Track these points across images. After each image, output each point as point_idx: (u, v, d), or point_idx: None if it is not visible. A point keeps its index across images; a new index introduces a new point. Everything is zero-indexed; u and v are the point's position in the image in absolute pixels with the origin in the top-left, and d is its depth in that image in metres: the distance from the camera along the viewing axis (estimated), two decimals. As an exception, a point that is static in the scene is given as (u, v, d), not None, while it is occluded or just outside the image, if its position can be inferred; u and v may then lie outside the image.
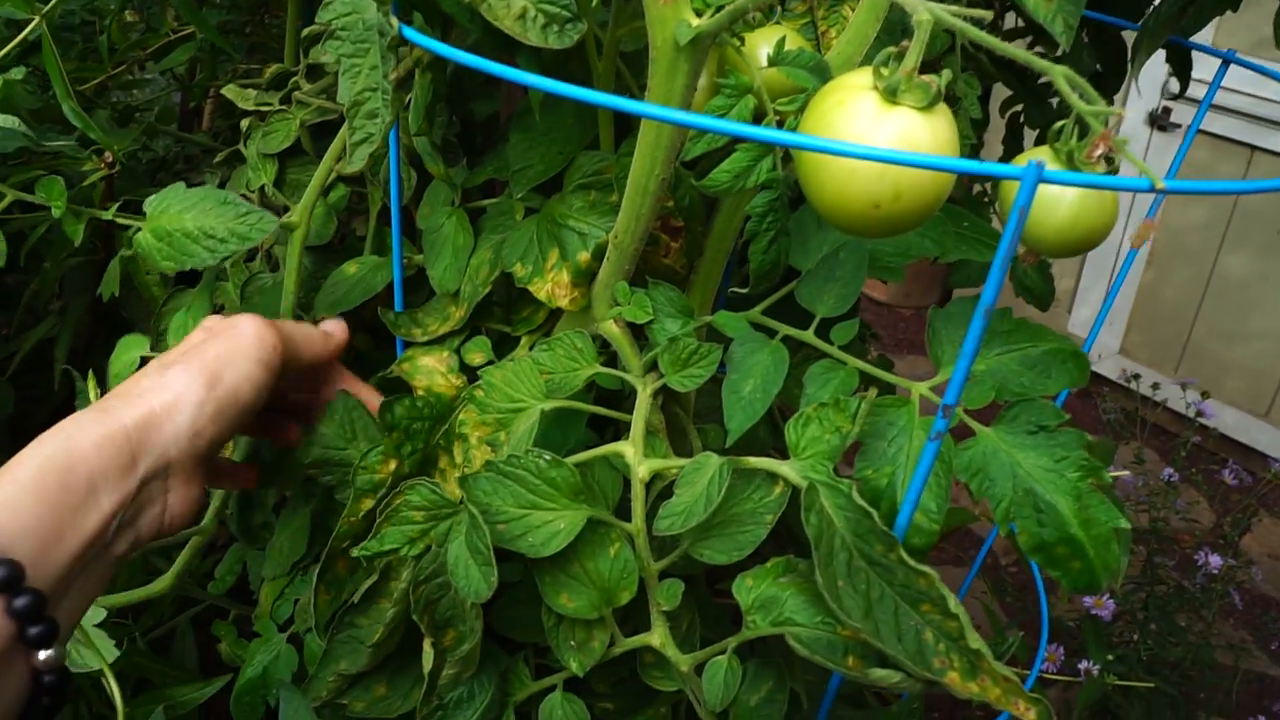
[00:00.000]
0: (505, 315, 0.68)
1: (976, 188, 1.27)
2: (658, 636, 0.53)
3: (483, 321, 0.66)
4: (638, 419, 0.54)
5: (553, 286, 0.59)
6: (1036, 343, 0.53)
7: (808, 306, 0.56)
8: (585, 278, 0.59)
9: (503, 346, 0.65)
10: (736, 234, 0.62)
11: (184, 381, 0.52)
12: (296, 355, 0.58)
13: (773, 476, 0.50)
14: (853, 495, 0.47)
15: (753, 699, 0.53)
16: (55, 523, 0.45)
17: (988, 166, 0.39)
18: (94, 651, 0.75)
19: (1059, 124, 0.46)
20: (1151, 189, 0.39)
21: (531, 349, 0.60)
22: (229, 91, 0.97)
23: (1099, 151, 0.43)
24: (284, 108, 0.91)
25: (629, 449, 0.53)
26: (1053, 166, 0.46)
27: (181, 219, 0.67)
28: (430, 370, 0.62)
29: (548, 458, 0.51)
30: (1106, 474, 0.50)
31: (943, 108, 0.43)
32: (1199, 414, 1.73)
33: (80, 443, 0.47)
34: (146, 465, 0.49)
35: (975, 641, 0.46)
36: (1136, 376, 1.94)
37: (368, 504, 0.58)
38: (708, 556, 0.50)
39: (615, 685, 0.58)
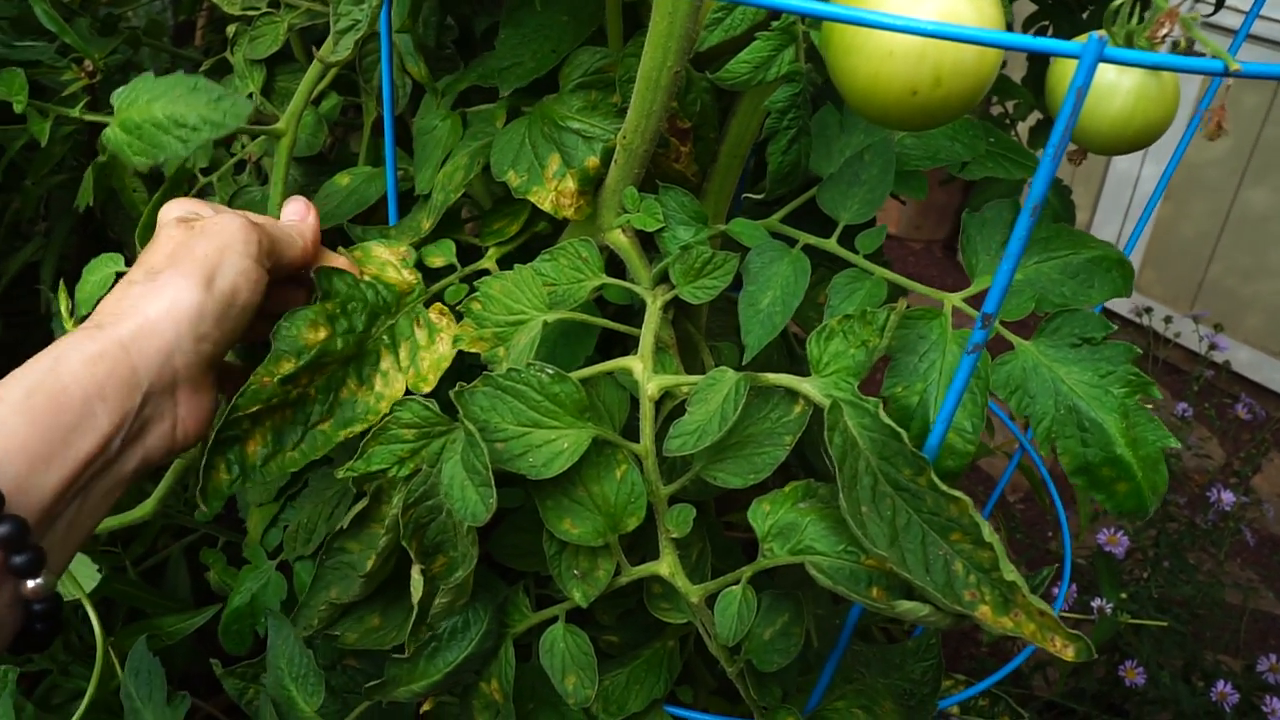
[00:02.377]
0: (477, 228, 0.63)
1: (997, 108, 1.22)
2: (666, 565, 0.49)
3: (450, 234, 0.61)
4: (646, 333, 0.50)
5: (557, 195, 0.55)
6: (1078, 249, 0.49)
7: (830, 212, 0.52)
8: (592, 184, 0.55)
9: (467, 260, 0.61)
10: (753, 138, 0.58)
11: (179, 285, 0.48)
12: (280, 254, 0.54)
13: (792, 394, 0.47)
14: (879, 414, 0.43)
15: (766, 632, 0.50)
16: (45, 445, 0.42)
17: (1042, 42, 0.35)
18: (73, 580, 0.72)
19: (1116, 3, 0.41)
20: (1225, 71, 0.35)
21: (499, 263, 0.56)
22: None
23: (1163, 31, 0.39)
24: (272, 10, 0.86)
25: (637, 364, 0.49)
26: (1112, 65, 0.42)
27: (151, 109, 0.62)
28: (383, 261, 0.56)
29: (550, 372, 0.47)
30: (1155, 389, 0.46)
31: None
32: (1212, 347, 1.69)
33: (72, 360, 0.44)
34: (149, 378, 0.46)
35: (1010, 573, 0.42)
36: (1149, 310, 1.89)
37: (287, 367, 0.51)
38: (721, 479, 0.46)
39: (620, 618, 0.55)
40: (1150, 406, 0.48)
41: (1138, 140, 0.43)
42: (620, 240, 0.54)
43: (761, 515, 0.46)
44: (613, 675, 0.55)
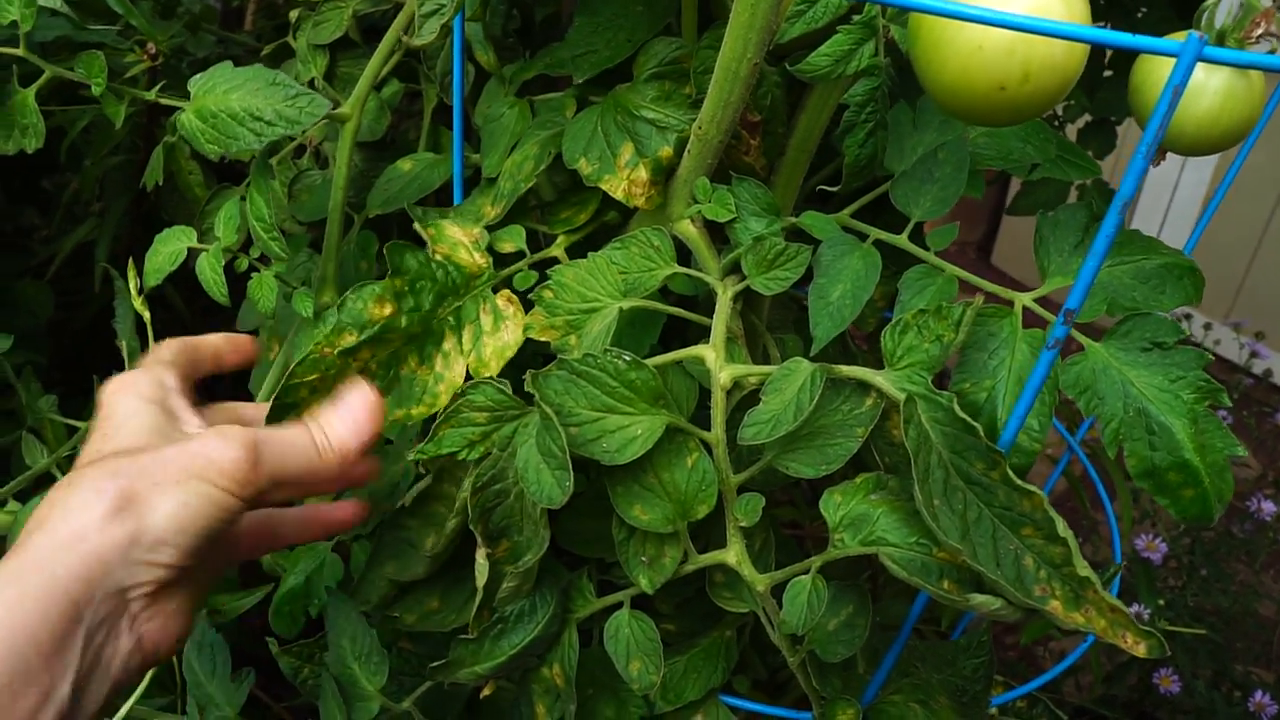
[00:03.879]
0: (542, 217, 0.64)
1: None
2: (734, 554, 0.50)
3: (520, 222, 0.62)
4: (718, 322, 0.50)
5: (629, 184, 0.55)
6: (1150, 255, 0.49)
7: (903, 209, 0.52)
8: (664, 174, 0.55)
9: (534, 249, 0.61)
10: (821, 132, 0.58)
11: (87, 515, 0.41)
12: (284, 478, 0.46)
13: (864, 387, 0.47)
14: (953, 409, 0.44)
15: (831, 623, 0.50)
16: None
17: (1140, 39, 0.35)
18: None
19: (1207, 3, 0.41)
20: (1326, 71, 0.35)
21: (567, 252, 0.56)
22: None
23: (1259, 31, 0.39)
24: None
25: (710, 353, 0.49)
26: (1201, 64, 0.42)
27: (228, 99, 0.63)
28: (455, 241, 0.56)
29: (628, 358, 0.47)
30: (1225, 396, 0.46)
31: None
32: (1253, 355, 1.68)
33: (25, 610, 0.38)
34: (88, 612, 0.40)
35: (1083, 569, 0.42)
36: (1188, 317, 1.88)
37: (348, 339, 0.51)
38: (794, 469, 0.47)
39: (678, 606, 0.55)
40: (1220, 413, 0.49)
41: (1223, 140, 0.43)
42: (689, 230, 0.54)
43: (833, 506, 0.47)
44: (671, 663, 0.55)
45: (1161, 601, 1.50)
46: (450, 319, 0.55)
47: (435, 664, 0.54)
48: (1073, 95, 1.17)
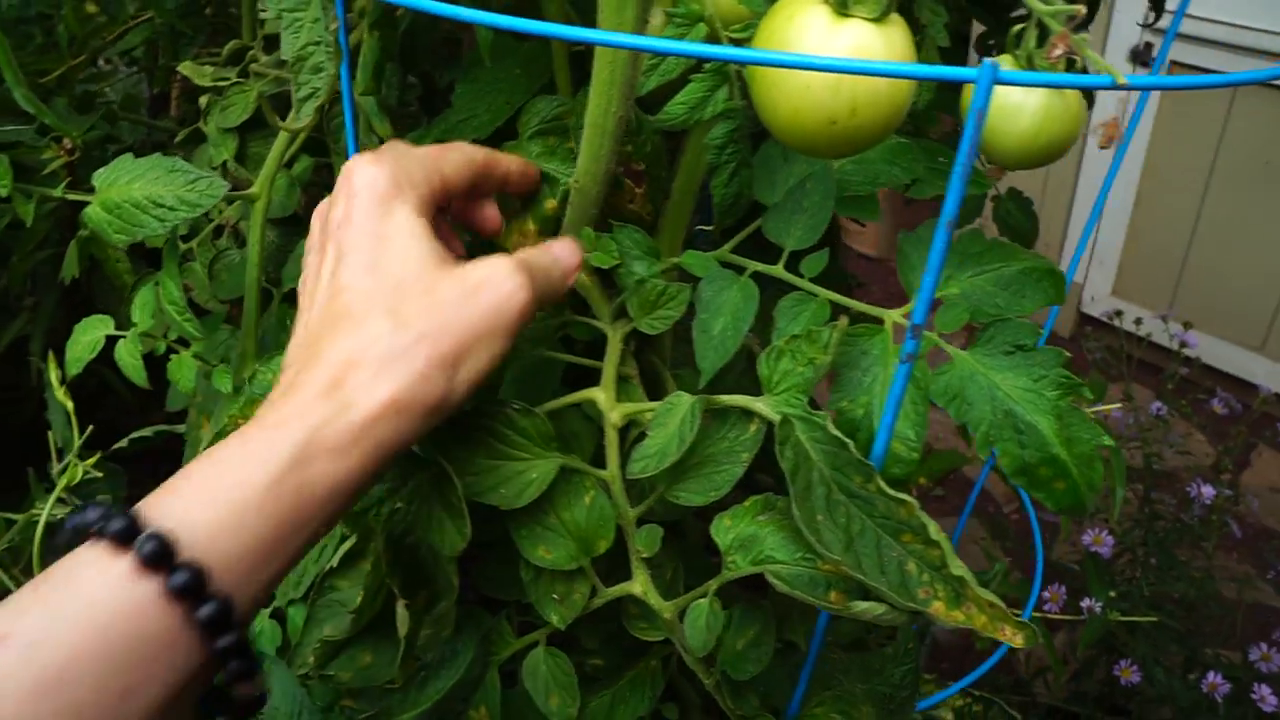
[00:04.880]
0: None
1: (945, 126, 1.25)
2: (639, 584, 0.52)
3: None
4: (609, 364, 0.53)
5: (519, 237, 0.58)
6: (1010, 262, 0.52)
7: (775, 240, 0.55)
8: (551, 225, 0.57)
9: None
10: (703, 173, 0.61)
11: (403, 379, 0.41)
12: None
13: (747, 413, 0.49)
14: (827, 427, 0.46)
15: (739, 643, 0.52)
16: (273, 545, 0.38)
17: (939, 70, 0.38)
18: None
19: (1017, 28, 0.45)
20: (1114, 85, 0.38)
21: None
22: (185, 68, 0.95)
23: (1058, 52, 0.42)
24: (241, 80, 0.89)
25: (600, 394, 0.52)
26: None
27: (130, 189, 0.66)
28: None
29: (516, 407, 0.49)
30: (1087, 390, 0.49)
31: (897, 19, 0.42)
32: (1183, 344, 1.72)
33: (326, 453, 0.39)
34: (384, 460, 0.42)
35: (958, 569, 0.45)
36: (1119, 313, 1.92)
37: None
38: (684, 498, 0.49)
39: (604, 642, 0.57)
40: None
41: (1046, 154, 0.46)
42: (581, 279, 0.57)
43: (723, 529, 0.49)
44: (599, 696, 0.57)
45: (1114, 594, 1.53)
46: None
47: (365, 716, 0.56)
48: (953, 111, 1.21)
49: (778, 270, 0.54)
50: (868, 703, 0.60)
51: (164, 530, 0.35)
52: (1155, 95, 2.66)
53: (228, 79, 0.91)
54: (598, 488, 0.51)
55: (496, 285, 0.43)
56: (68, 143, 0.97)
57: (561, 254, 0.50)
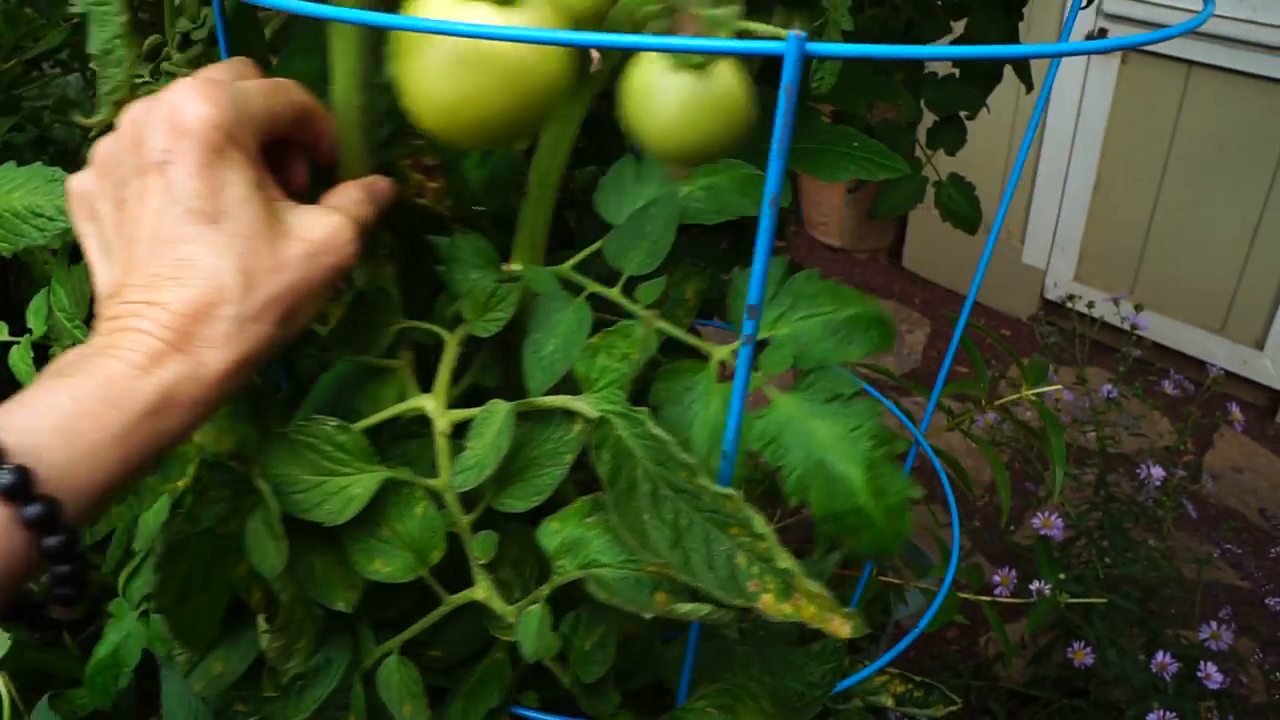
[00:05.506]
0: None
1: (887, 113, 1.24)
2: (481, 590, 0.51)
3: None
4: (443, 369, 0.52)
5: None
6: (840, 307, 0.51)
7: (614, 264, 0.54)
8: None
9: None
10: (562, 170, 0.60)
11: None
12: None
13: (570, 414, 0.49)
14: (648, 424, 0.46)
15: (587, 644, 0.52)
16: (124, 471, 0.40)
17: (558, 35, 0.36)
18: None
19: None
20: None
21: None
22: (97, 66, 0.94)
23: (690, 31, 0.41)
24: (151, 81, 0.88)
25: (429, 402, 0.51)
26: (658, 66, 0.43)
27: (10, 199, 0.65)
28: None
29: (333, 423, 0.49)
30: (901, 443, 0.48)
31: (540, 7, 0.41)
32: (1134, 326, 1.72)
33: (181, 398, 0.41)
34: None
35: (784, 561, 0.44)
36: (1072, 297, 1.92)
37: None
38: (508, 505, 0.49)
39: (454, 645, 0.57)
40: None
41: (697, 148, 0.44)
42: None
43: (551, 533, 0.48)
44: (450, 705, 0.56)
45: (1066, 576, 1.53)
46: None
47: None
48: (905, 99, 1.20)
49: (615, 294, 0.53)
50: (763, 698, 0.59)
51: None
52: (1113, 79, 2.66)
53: (142, 76, 0.90)
54: (429, 499, 0.51)
55: (338, 249, 0.45)
56: (-17, 144, 0.96)
57: (378, 194, 0.51)
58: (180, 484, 0.56)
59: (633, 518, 0.45)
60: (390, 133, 0.52)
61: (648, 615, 0.45)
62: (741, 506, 0.45)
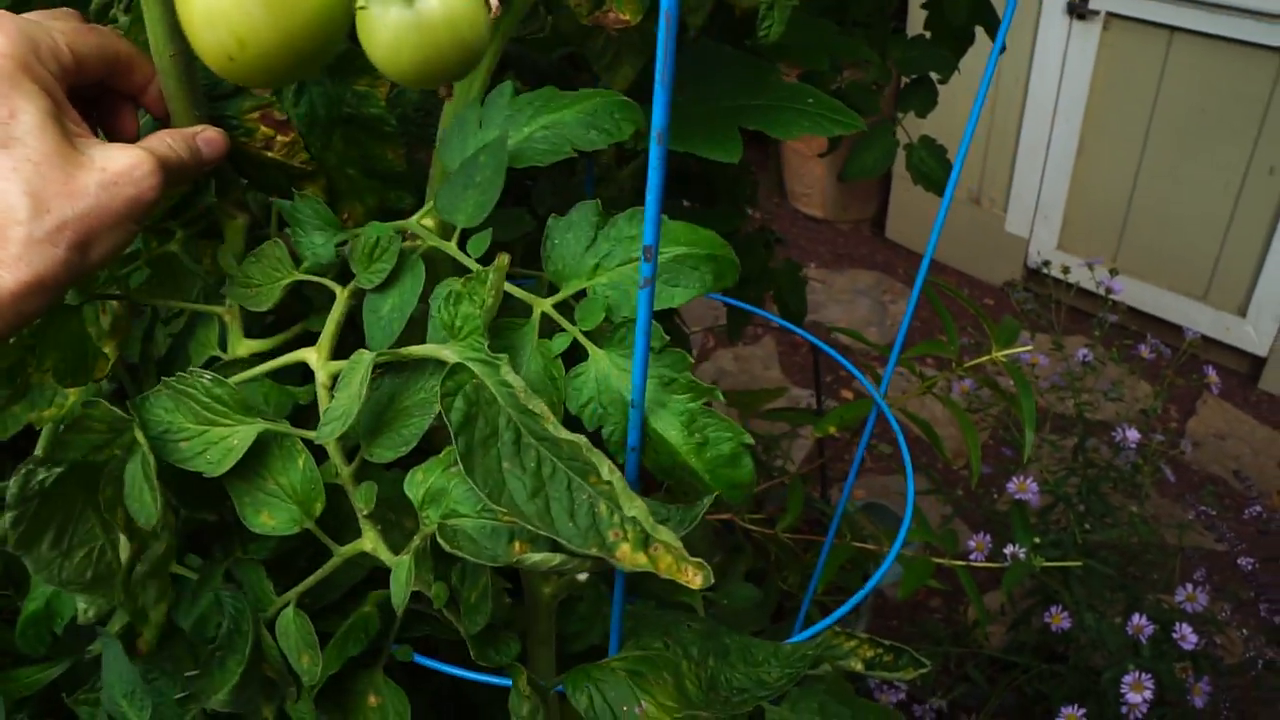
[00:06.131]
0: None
1: (854, 74, 1.22)
2: (369, 541, 0.51)
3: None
4: (330, 321, 0.52)
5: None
6: (664, 248, 0.50)
7: (446, 217, 0.52)
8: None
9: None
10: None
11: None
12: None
13: (441, 364, 0.49)
14: (503, 370, 0.45)
15: (472, 595, 0.52)
16: None
17: None
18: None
19: None
20: None
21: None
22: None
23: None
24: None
25: (312, 354, 0.51)
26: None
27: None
28: None
29: (209, 377, 0.49)
30: (719, 393, 0.48)
31: None
32: (1109, 290, 1.71)
33: None
34: None
35: (633, 509, 0.44)
36: (1047, 263, 1.91)
37: None
38: (377, 455, 0.48)
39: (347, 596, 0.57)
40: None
41: (420, 72, 0.44)
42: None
43: (416, 484, 0.48)
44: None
45: (1041, 540, 1.52)
46: None
47: (180, 696, 0.55)
48: (870, 56, 1.17)
49: (451, 248, 0.52)
50: (689, 677, 0.56)
51: None
52: (1095, 45, 2.65)
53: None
54: (307, 451, 0.51)
55: (136, 181, 0.45)
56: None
57: (206, 142, 0.51)
58: (47, 413, 0.56)
59: (490, 466, 0.44)
60: (234, 86, 0.52)
61: (499, 564, 0.45)
62: (591, 452, 0.44)
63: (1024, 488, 1.55)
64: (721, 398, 0.46)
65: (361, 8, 0.43)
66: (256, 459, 0.50)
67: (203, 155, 0.51)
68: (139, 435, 0.48)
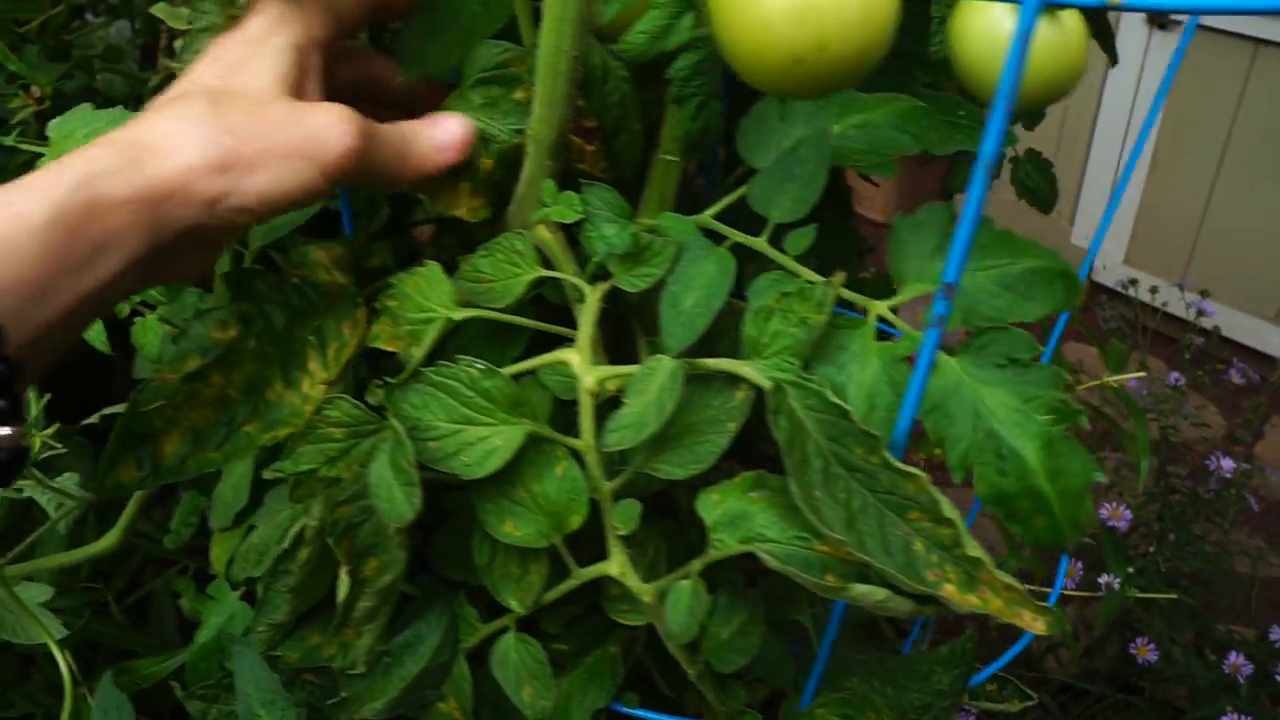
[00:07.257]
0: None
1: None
2: (616, 565, 0.47)
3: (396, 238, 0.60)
4: (585, 325, 0.48)
5: (449, 194, 0.52)
6: (1017, 259, 0.46)
7: (760, 210, 0.49)
8: (487, 186, 0.51)
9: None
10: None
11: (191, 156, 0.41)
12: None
13: (734, 379, 0.44)
14: (824, 394, 0.41)
15: (724, 632, 0.47)
16: (49, 278, 0.38)
17: None
18: (40, 626, 0.70)
19: None
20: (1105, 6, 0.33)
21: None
22: (159, 10, 0.90)
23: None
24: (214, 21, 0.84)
25: (574, 356, 0.47)
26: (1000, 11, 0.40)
27: (84, 143, 0.61)
28: (315, 263, 0.53)
29: (480, 366, 0.45)
30: (1084, 419, 0.43)
31: None
32: (1200, 313, 1.67)
33: (109, 195, 0.39)
34: (166, 233, 0.41)
35: (973, 549, 0.40)
36: (1134, 282, 1.86)
37: (192, 364, 0.48)
38: (664, 471, 0.44)
39: (568, 625, 0.53)
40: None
41: (1040, 93, 0.41)
42: (545, 236, 0.51)
43: (711, 505, 0.44)
44: (555, 685, 0.52)
45: (1131, 569, 1.48)
46: (312, 338, 0.52)
47: (331, 702, 0.52)
48: None
49: (761, 244, 0.48)
50: (885, 712, 0.54)
51: None
52: (1136, 54, 2.60)
53: (206, 13, 0.85)
54: (570, 459, 0.46)
55: (325, 122, 0.43)
56: (36, 91, 0.92)
57: (424, 133, 0.48)
58: (281, 433, 0.52)
59: (805, 492, 0.40)
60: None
61: (826, 595, 0.41)
62: (925, 488, 0.41)
63: (1117, 515, 1.51)
64: (1085, 423, 0.42)
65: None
66: (509, 463, 0.46)
67: (420, 152, 0.48)
68: (394, 423, 0.44)
